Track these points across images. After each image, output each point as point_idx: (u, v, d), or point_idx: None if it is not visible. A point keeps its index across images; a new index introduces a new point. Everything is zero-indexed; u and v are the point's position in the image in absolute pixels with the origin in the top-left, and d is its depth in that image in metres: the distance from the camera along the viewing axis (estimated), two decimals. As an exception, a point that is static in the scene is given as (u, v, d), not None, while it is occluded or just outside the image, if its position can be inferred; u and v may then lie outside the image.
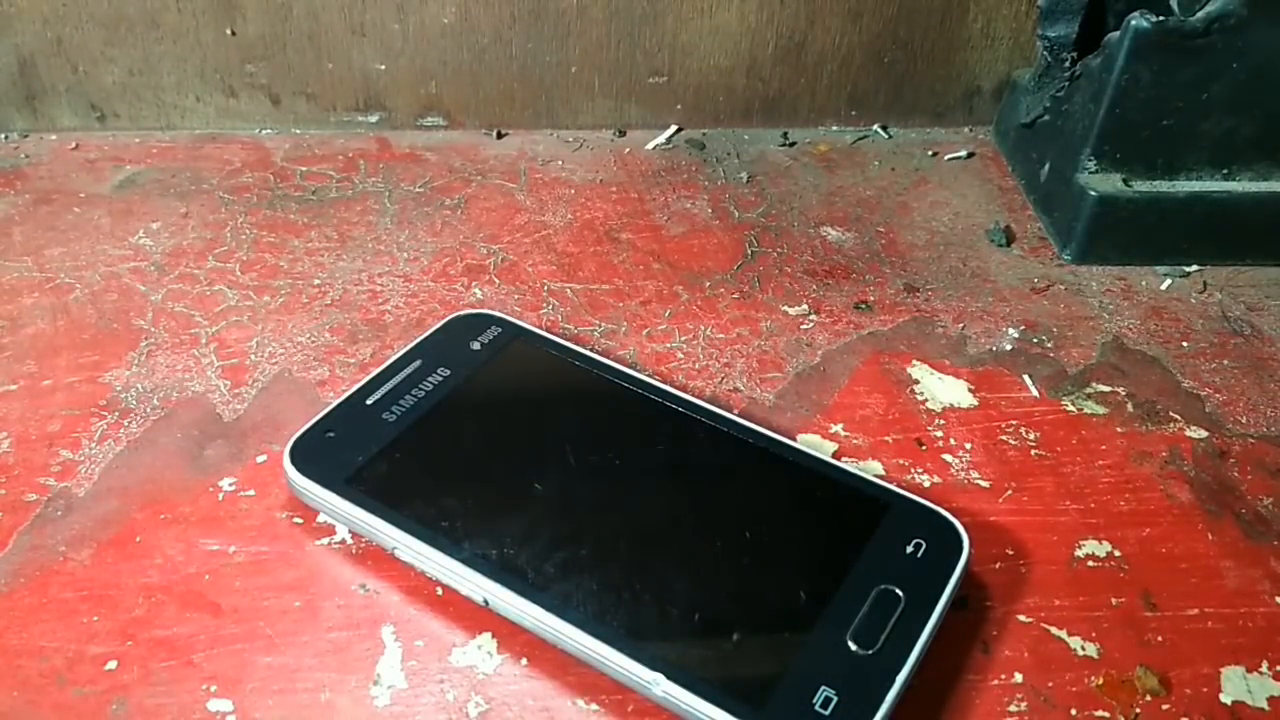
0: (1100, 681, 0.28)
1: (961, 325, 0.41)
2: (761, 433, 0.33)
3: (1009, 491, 0.34)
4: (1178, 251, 0.44)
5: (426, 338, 0.37)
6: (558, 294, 0.42)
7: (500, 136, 0.52)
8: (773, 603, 0.28)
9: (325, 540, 0.31)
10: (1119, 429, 0.36)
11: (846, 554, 0.29)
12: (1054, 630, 0.30)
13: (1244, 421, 0.37)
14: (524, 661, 0.28)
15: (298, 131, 0.51)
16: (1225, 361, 0.40)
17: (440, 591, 0.30)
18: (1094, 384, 0.38)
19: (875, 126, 0.53)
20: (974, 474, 0.34)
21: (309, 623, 0.29)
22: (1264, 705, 0.28)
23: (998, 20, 0.50)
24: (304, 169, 0.49)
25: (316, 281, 0.42)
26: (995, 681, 0.28)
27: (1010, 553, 0.32)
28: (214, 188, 0.47)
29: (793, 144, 0.52)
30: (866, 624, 0.27)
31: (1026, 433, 0.36)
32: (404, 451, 0.32)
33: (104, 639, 0.28)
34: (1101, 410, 0.37)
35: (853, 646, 0.27)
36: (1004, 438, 0.36)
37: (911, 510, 0.30)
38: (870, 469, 0.34)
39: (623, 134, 0.52)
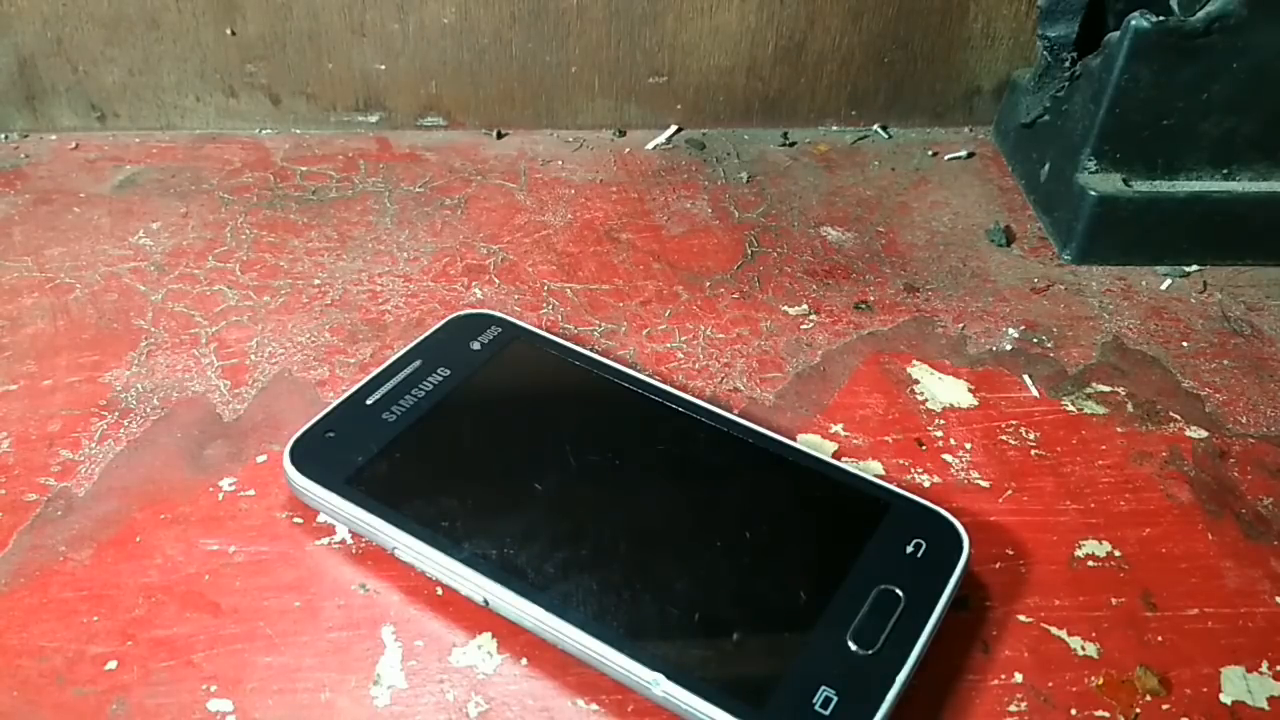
0: (1100, 681, 0.28)
1: (961, 325, 0.41)
2: (761, 433, 0.33)
3: (1009, 491, 0.34)
4: (1178, 251, 0.44)
5: (426, 338, 0.37)
6: (558, 294, 0.42)
7: (500, 136, 0.52)
8: (773, 603, 0.28)
9: (325, 540, 0.31)
10: (1119, 429, 0.36)
11: (846, 554, 0.29)
12: (1054, 630, 0.30)
13: (1244, 421, 0.37)
14: (524, 661, 0.28)
15: (298, 131, 0.51)
16: (1225, 361, 0.40)
17: (440, 591, 0.30)
18: (1094, 384, 0.38)
19: (875, 126, 0.53)
20: (974, 474, 0.34)
21: (309, 623, 0.29)
22: (1264, 705, 0.28)
23: (998, 20, 0.50)
24: (304, 169, 0.49)
25: (316, 281, 0.42)
26: (995, 681, 0.28)
27: (1010, 553, 0.32)
28: (214, 188, 0.47)
29: (793, 144, 0.52)
30: (866, 624, 0.27)
31: (1026, 433, 0.36)
32: (404, 451, 0.32)
33: (104, 639, 0.28)
34: (1101, 410, 0.37)
35: (853, 646, 0.27)
36: (1004, 438, 0.36)
37: (911, 510, 0.30)
38: (870, 469, 0.34)
39: (623, 134, 0.52)
